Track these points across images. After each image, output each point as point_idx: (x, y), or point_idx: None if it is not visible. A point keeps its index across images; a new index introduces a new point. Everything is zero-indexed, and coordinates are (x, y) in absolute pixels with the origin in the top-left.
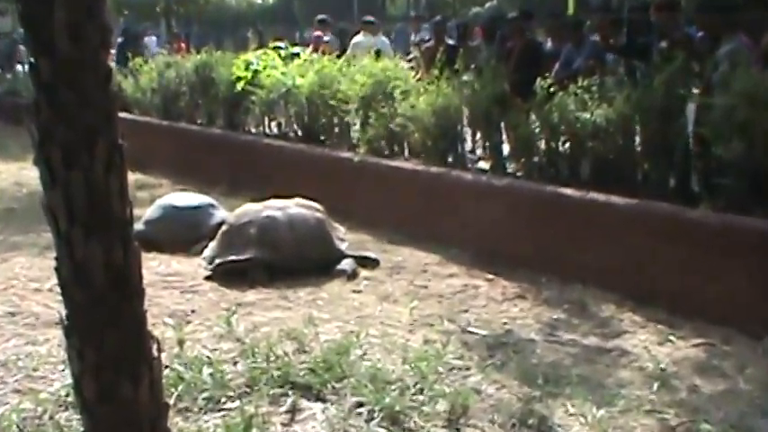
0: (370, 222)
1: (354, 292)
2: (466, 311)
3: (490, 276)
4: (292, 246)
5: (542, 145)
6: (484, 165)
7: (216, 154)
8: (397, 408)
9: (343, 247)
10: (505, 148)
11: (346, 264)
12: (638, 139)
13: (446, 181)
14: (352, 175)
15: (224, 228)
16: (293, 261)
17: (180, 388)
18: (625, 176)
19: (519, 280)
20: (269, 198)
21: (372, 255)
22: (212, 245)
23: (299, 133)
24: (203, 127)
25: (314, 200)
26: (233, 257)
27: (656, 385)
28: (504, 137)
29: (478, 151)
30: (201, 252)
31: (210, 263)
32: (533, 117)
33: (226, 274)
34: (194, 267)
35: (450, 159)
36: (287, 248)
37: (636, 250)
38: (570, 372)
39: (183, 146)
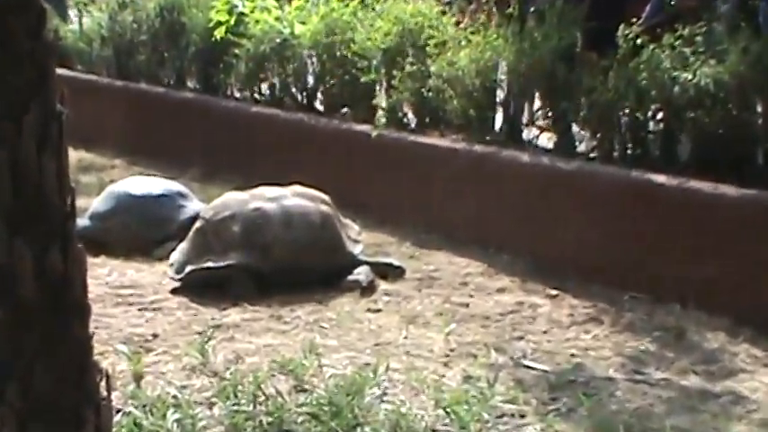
0: (392, 218)
1: (371, 311)
2: (520, 339)
3: (553, 292)
4: (289, 248)
5: (625, 116)
6: (546, 142)
7: (187, 126)
8: None
9: (356, 250)
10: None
11: (361, 273)
12: (758, 109)
13: (494, 164)
14: (370, 156)
15: (198, 224)
16: (290, 269)
17: None
18: (739, 159)
19: (592, 298)
20: (258, 185)
21: (395, 261)
22: (182, 247)
23: (299, 99)
24: (170, 89)
25: (318, 188)
26: (209, 264)
27: None
28: (574, 105)
29: (539, 124)
30: (168, 257)
31: (180, 271)
32: (613, 78)
33: (200, 286)
34: (158, 277)
35: (500, 134)
36: (282, 252)
37: (755, 259)
38: (663, 423)
39: (144, 114)
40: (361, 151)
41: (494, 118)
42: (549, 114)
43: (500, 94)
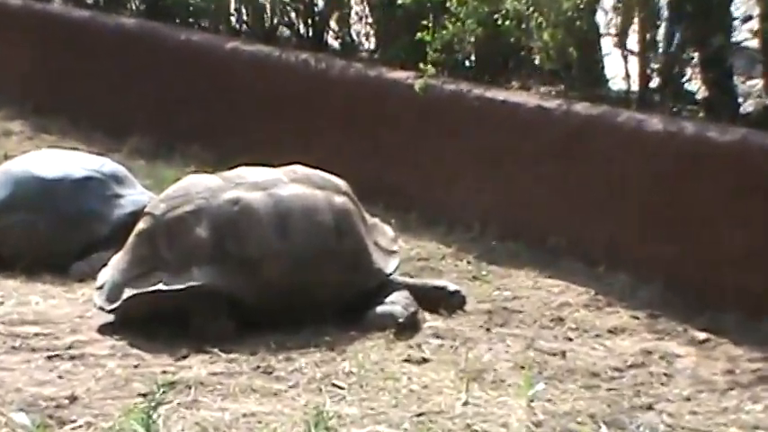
0: (447, 216)
1: (412, 361)
2: (648, 408)
3: (700, 335)
4: (285, 264)
5: None
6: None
7: (126, 71)
8: None
9: (389, 267)
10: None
11: (396, 302)
12: None
13: (605, 131)
14: (412, 119)
15: (142, 224)
16: (287, 296)
17: None
18: None
19: (764, 345)
20: (237, 165)
21: (451, 285)
22: (117, 260)
23: (301, 30)
24: (99, 13)
25: (331, 170)
26: (161, 286)
27: None
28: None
29: (677, 71)
30: (95, 275)
31: (113, 298)
32: None
33: (145, 322)
34: (78, 307)
35: (611, 87)
36: (274, 269)
37: None
38: None
39: (58, 52)
40: (397, 112)
41: (603, 64)
42: (695, 57)
43: (614, 24)
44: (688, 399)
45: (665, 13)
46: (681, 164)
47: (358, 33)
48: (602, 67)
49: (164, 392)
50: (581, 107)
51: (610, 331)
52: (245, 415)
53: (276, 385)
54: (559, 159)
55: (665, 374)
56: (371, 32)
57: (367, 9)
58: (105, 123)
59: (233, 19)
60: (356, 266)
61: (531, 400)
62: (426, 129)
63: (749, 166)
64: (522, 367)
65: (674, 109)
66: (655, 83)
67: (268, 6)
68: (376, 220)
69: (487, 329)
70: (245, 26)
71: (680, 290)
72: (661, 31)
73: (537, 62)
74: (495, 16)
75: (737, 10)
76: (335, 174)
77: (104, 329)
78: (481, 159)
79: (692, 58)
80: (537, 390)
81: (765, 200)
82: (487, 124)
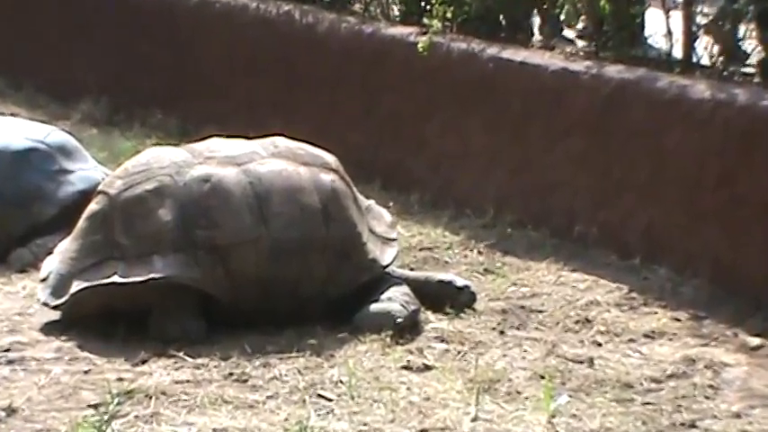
0: (455, 198)
1: (412, 368)
2: (691, 426)
3: (753, 341)
4: (263, 253)
5: None
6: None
7: (79, 23)
8: None
9: (386, 257)
10: None
11: (394, 299)
12: None
13: (642, 99)
14: (416, 83)
15: (95, 205)
16: (265, 290)
17: None
18: None
19: None
20: (208, 137)
21: (458, 279)
22: (65, 247)
23: None
24: None
25: (318, 143)
26: (116, 278)
27: None
28: None
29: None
30: (38, 265)
31: (60, 291)
32: None
33: (96, 319)
34: (18, 302)
35: (650, 46)
36: (250, 258)
37: None
38: None
39: None
40: (397, 76)
41: (641, 17)
42: (750, 8)
43: None
44: (738, 415)
45: None
46: (732, 138)
47: None
48: (640, 24)
49: (118, 403)
50: (614, 70)
51: (646, 335)
52: (215, 430)
53: (252, 396)
54: (588, 132)
55: (711, 386)
56: None
57: None
58: (51, 86)
59: None
60: (347, 257)
61: (553, 416)
62: (431, 95)
63: None
64: (542, 377)
65: (725, 73)
66: (701, 42)
67: None
68: (371, 203)
69: (501, 332)
70: None
71: (730, 287)
72: None
73: (562, 17)
74: None
75: None
76: (323, 147)
77: (49, 329)
78: (496, 131)
79: (747, 13)
80: (559, 403)
81: None
82: (503, 90)
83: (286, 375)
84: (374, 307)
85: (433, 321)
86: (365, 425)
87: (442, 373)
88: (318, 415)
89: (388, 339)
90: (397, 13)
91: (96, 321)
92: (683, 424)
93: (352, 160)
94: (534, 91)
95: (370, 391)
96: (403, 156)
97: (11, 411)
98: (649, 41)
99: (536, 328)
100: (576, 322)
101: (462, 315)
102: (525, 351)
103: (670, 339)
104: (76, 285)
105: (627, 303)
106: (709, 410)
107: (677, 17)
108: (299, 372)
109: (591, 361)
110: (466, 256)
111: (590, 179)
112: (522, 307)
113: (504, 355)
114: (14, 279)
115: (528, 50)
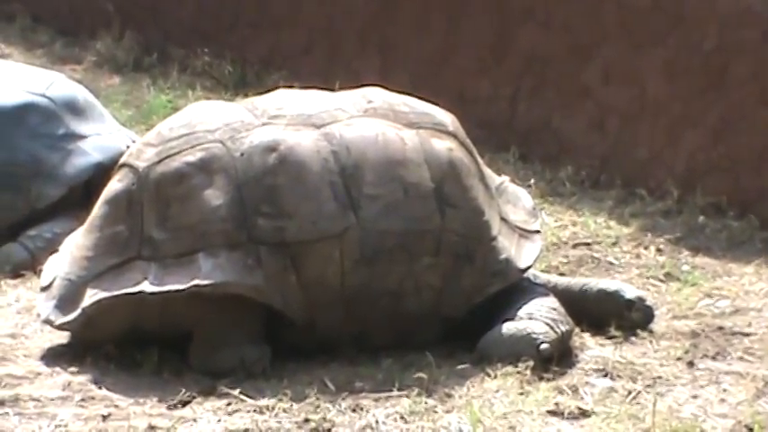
0: (619, 173)
1: (560, 414)
2: None
3: None
4: (351, 251)
5: None
6: None
7: None
8: None
9: (526, 256)
10: None
11: (535, 316)
12: None
13: None
14: (567, 10)
15: (118, 184)
16: (352, 303)
17: None
18: None
19: None
20: (274, 88)
21: (628, 288)
22: (76, 241)
23: None
24: None
25: (428, 98)
26: (145, 286)
27: None
28: None
29: None
30: (39, 264)
31: (68, 303)
32: None
33: (119, 342)
34: (10, 318)
35: None
36: (333, 260)
37: None
38: None
39: None
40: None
41: None
42: None
43: None
44: None
45: None
46: None
47: None
48: None
49: None
50: None
51: None
52: None
53: None
54: None
55: None
56: None
57: None
58: (55, 17)
59: None
60: (469, 258)
61: None
62: (591, 26)
63: None
64: (750, 430)
65: None
66: None
67: None
68: (504, 180)
69: (690, 363)
70: None
71: None
72: None
73: None
74: None
75: None
76: (436, 103)
77: (53, 357)
78: (683, 77)
79: None
80: None
81: None
82: (693, 19)
83: (384, 423)
84: (508, 327)
85: (593, 348)
86: None
87: (605, 422)
88: None
89: (528, 373)
90: None
91: (118, 347)
92: None
93: (476, 120)
94: (737, 20)
95: None
96: (549, 113)
97: None
98: None
99: (740, 359)
100: None
101: (634, 339)
102: (725, 391)
103: None
104: (91, 296)
105: None
106: None
107: None
108: (403, 418)
109: None
110: (639, 256)
111: None
112: (721, 328)
113: (695, 397)
114: (4, 286)
115: None
